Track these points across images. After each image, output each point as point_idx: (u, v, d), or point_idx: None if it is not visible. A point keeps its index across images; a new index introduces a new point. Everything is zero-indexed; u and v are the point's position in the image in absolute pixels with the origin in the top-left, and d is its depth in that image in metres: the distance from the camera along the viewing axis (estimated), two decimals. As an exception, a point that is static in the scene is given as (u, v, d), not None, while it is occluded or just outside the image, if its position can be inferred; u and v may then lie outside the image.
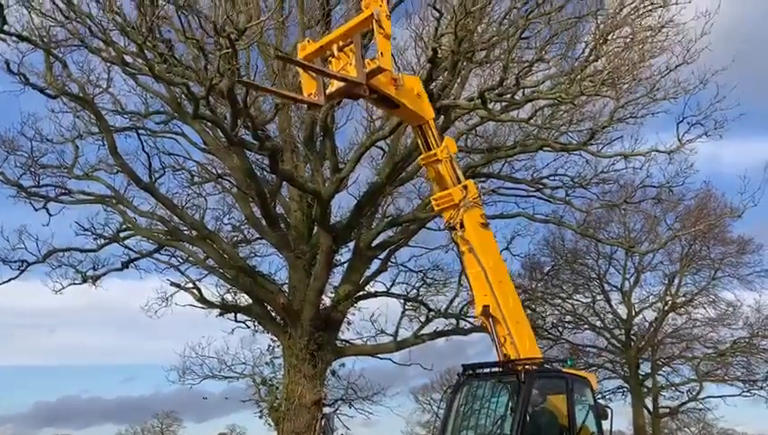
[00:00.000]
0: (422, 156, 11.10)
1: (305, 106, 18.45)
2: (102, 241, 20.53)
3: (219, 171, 21.07)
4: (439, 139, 10.96)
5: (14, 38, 15.66)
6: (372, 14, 9.10)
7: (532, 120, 17.91)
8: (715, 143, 17.73)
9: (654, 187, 19.94)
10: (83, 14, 15.15)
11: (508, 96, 15.71)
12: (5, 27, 15.10)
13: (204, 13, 13.19)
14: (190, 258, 20.27)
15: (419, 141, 11.11)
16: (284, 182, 18.97)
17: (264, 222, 19.17)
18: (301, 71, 9.93)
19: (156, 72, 14.53)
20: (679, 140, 17.26)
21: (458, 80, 17.11)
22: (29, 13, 15.38)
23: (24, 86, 16.84)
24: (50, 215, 19.60)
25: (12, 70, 16.53)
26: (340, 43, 9.47)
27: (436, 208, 11.33)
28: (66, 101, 18.19)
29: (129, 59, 16.02)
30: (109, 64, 17.51)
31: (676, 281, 32.44)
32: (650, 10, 15.62)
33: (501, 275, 11.04)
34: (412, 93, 10.36)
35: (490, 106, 15.68)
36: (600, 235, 26.87)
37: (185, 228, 19.65)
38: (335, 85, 9.45)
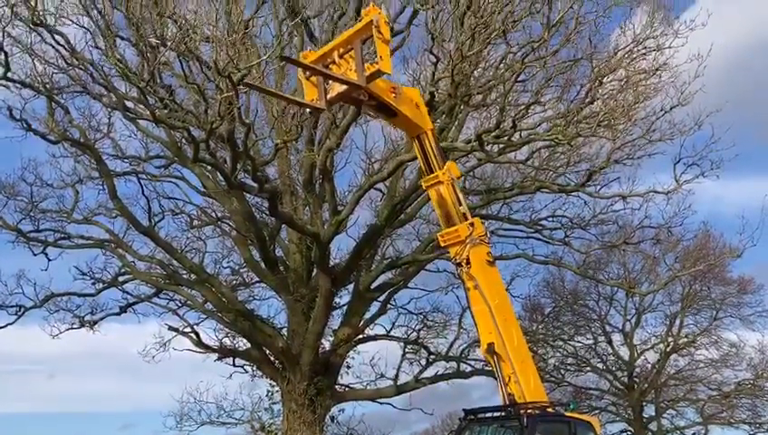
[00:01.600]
0: (424, 178, 11.10)
1: (304, 150, 18.78)
2: (101, 285, 20.45)
3: (219, 215, 21.10)
4: (440, 154, 10.96)
5: (18, 85, 15.90)
6: (372, 20, 9.27)
7: (529, 162, 18.06)
8: (719, 183, 17.90)
9: (653, 227, 19.97)
10: (86, 60, 15.41)
11: (505, 138, 15.84)
12: (9, 74, 15.34)
13: (204, 59, 13.40)
14: (189, 302, 20.14)
15: (420, 158, 11.09)
16: (284, 225, 18.99)
17: (263, 265, 19.14)
18: (303, 79, 10.06)
19: (157, 117, 14.70)
20: (676, 180, 17.41)
21: (456, 122, 17.29)
22: (32, 60, 15.65)
23: (25, 132, 17.02)
24: (48, 259, 19.60)
25: (14, 116, 16.74)
26: (341, 50, 9.64)
27: (442, 244, 11.29)
28: (67, 146, 18.33)
29: (130, 104, 16.23)
30: (110, 110, 17.73)
31: (678, 322, 32.24)
32: (644, 54, 15.91)
33: (506, 313, 10.98)
34: (411, 103, 10.47)
35: (487, 148, 15.81)
36: (599, 276, 26.80)
37: (184, 272, 19.59)
38: (336, 90, 9.57)
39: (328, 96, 9.62)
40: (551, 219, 20.93)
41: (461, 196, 11.10)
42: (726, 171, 17.50)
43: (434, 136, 10.98)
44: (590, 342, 32.51)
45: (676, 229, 20.35)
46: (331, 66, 9.76)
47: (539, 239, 21.03)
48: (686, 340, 32.09)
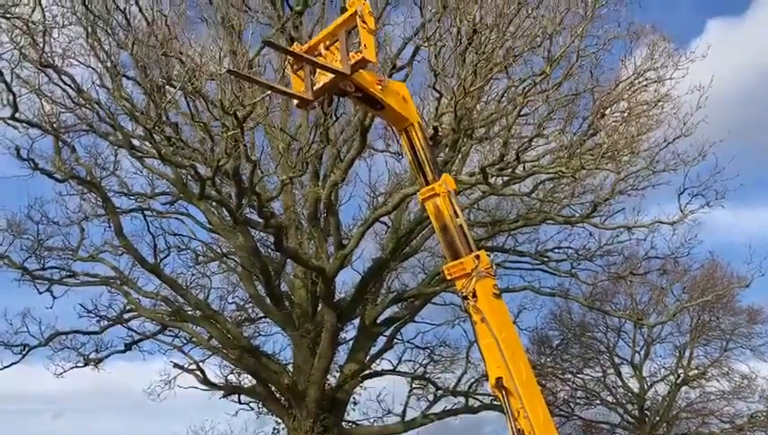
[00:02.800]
0: (420, 190, 11.03)
1: (309, 184, 18.86)
2: (106, 323, 20.37)
3: (224, 250, 21.10)
4: (430, 152, 10.88)
5: (25, 124, 16.09)
6: (356, 11, 9.38)
7: (533, 194, 18.04)
8: (731, 212, 17.93)
9: (659, 258, 19.96)
10: (92, 100, 15.60)
11: (509, 171, 15.89)
12: (17, 114, 15.53)
13: (211, 98, 13.54)
14: (194, 339, 20.02)
15: (410, 156, 10.96)
16: (289, 260, 18.97)
17: (268, 300, 19.05)
18: (291, 73, 10.15)
19: (163, 155, 14.81)
20: (681, 210, 17.40)
21: (459, 156, 17.37)
22: (40, 100, 15.87)
23: (32, 171, 17.16)
24: (54, 297, 19.54)
25: (21, 156, 16.90)
26: (327, 43, 9.74)
27: (448, 277, 11.16)
28: (73, 184, 18.45)
29: (136, 142, 16.37)
30: (116, 148, 17.88)
31: (687, 353, 31.87)
32: (645, 86, 16.03)
33: (514, 347, 10.82)
34: (398, 96, 10.47)
35: (491, 181, 15.84)
36: (607, 307, 26.58)
37: (189, 308, 19.51)
38: (321, 81, 9.64)
39: (314, 88, 9.71)
40: (556, 251, 20.89)
41: (458, 208, 11.02)
42: (738, 200, 17.55)
43: (422, 130, 10.94)
44: (599, 374, 32.12)
45: (683, 259, 20.40)
46: (317, 58, 9.89)
47: (545, 271, 20.96)
48: (696, 371, 31.66)
